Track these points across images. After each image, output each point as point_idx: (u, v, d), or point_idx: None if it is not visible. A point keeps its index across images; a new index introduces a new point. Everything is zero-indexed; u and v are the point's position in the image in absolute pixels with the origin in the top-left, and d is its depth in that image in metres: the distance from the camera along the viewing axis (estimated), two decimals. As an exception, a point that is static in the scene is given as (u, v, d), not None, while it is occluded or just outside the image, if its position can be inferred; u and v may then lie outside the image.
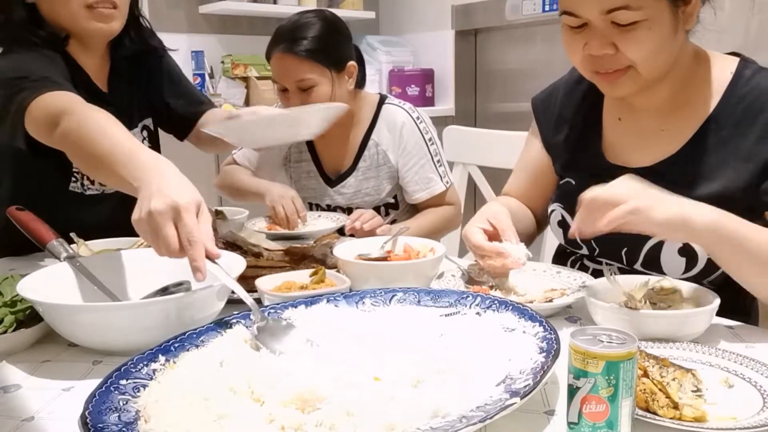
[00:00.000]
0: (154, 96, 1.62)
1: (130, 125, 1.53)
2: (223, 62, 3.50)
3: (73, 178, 1.47)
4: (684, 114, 1.13)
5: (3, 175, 1.46)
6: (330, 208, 1.89)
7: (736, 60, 1.13)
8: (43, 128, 1.15)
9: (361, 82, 1.87)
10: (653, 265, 1.13)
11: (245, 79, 3.47)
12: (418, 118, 1.84)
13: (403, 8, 4.00)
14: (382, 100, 1.86)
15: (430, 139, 1.84)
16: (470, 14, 3.59)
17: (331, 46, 1.74)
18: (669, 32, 1.04)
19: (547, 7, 3.18)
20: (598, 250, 1.21)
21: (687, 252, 1.09)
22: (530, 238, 1.36)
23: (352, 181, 1.85)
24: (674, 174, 1.11)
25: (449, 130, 2.18)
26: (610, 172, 1.19)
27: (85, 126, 1.06)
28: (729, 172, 1.07)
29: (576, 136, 1.27)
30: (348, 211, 1.86)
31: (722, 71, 1.12)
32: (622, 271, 1.19)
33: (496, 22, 3.46)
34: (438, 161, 1.85)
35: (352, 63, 1.80)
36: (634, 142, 1.19)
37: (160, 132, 1.69)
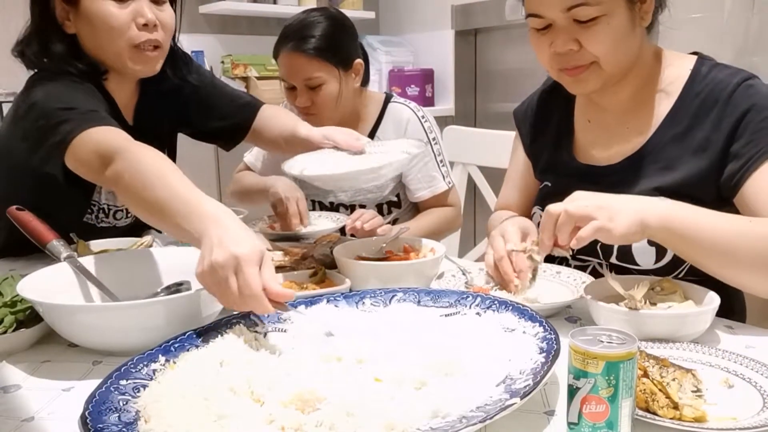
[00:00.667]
0: (193, 125, 1.58)
1: None
2: (222, 62, 3.50)
3: (89, 211, 1.45)
4: (646, 111, 1.18)
5: (22, 188, 1.41)
6: (333, 206, 1.89)
7: (693, 58, 1.18)
8: (89, 166, 1.12)
9: (365, 80, 1.88)
10: (627, 257, 1.16)
11: (245, 79, 3.47)
12: (423, 117, 1.85)
13: (403, 8, 4.00)
14: (387, 98, 1.88)
15: (434, 139, 1.85)
16: (470, 14, 3.58)
17: (338, 44, 1.75)
18: (627, 27, 1.10)
19: (547, 7, 3.18)
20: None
21: (655, 243, 1.11)
22: None
23: None
24: (639, 169, 1.17)
25: (449, 130, 2.18)
26: (582, 171, 1.25)
27: (139, 169, 1.04)
28: (688, 162, 1.12)
29: (551, 141, 1.32)
30: (350, 208, 1.86)
31: (681, 69, 1.17)
32: (600, 266, 1.22)
33: (496, 22, 3.45)
34: (441, 161, 1.86)
35: (358, 61, 1.81)
36: (602, 142, 1.24)
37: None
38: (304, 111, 1.77)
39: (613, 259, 1.18)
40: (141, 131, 1.44)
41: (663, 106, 1.17)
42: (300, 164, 1.30)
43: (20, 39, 1.33)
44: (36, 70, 1.32)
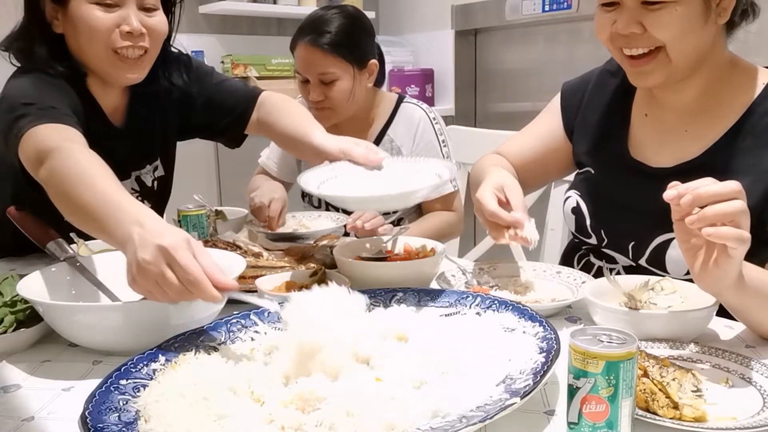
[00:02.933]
0: (195, 127, 1.56)
1: (140, 164, 1.50)
2: (223, 62, 3.50)
3: None
4: (709, 118, 1.13)
5: (6, 181, 1.39)
6: None
7: None
8: (30, 162, 1.09)
9: (380, 81, 1.91)
10: (657, 261, 1.13)
11: (245, 79, 3.46)
12: (434, 118, 1.87)
13: (403, 8, 4.00)
14: (400, 99, 1.90)
15: (443, 141, 1.87)
16: (470, 14, 3.58)
17: (354, 42, 1.78)
18: (698, 18, 1.05)
19: (546, 7, 3.17)
20: (606, 240, 1.22)
21: None
22: None
23: None
24: (692, 178, 1.11)
25: (449, 130, 2.18)
26: (632, 167, 1.20)
27: (67, 168, 1.00)
28: (746, 182, 1.05)
29: (603, 127, 1.27)
30: None
31: (755, 81, 1.12)
32: (626, 267, 1.20)
33: (496, 22, 3.45)
34: None
35: (373, 61, 1.83)
36: (658, 141, 1.19)
37: None
38: (316, 105, 1.79)
39: (643, 261, 1.16)
40: (131, 135, 1.44)
41: (728, 117, 1.11)
42: (316, 180, 1.16)
43: (10, 34, 1.33)
44: (20, 65, 1.32)
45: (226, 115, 1.52)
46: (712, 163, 1.10)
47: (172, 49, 1.49)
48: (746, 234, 0.77)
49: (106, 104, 1.40)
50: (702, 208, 0.79)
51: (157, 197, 1.57)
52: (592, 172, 1.26)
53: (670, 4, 1.03)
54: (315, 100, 1.78)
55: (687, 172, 1.11)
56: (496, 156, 1.39)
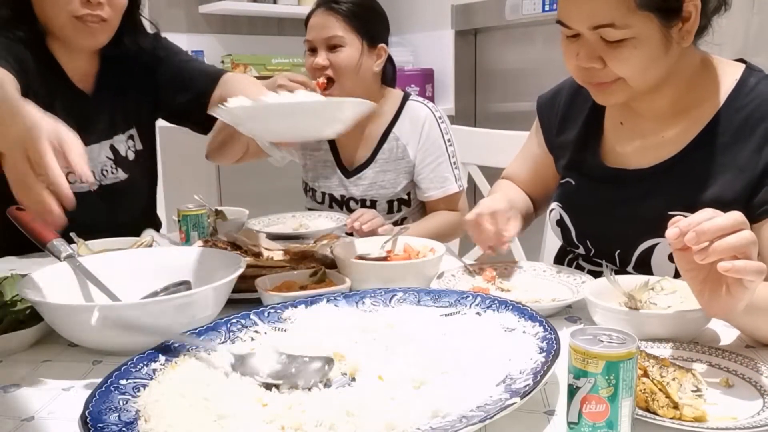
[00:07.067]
0: (163, 100, 1.59)
1: (113, 131, 1.53)
2: (222, 62, 3.50)
3: None
4: (685, 119, 1.13)
5: None
6: (344, 199, 1.90)
7: (741, 67, 1.12)
8: None
9: (390, 81, 1.93)
10: (644, 267, 1.14)
11: (245, 79, 3.47)
12: (440, 117, 1.88)
13: (403, 8, 3.99)
14: (406, 96, 1.91)
15: (449, 140, 1.87)
16: (470, 14, 3.58)
17: (368, 18, 1.82)
18: (658, 50, 1.04)
19: (546, 7, 3.17)
20: (593, 250, 1.22)
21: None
22: (527, 220, 1.40)
23: (369, 173, 1.86)
24: (671, 177, 1.12)
25: (449, 130, 2.19)
26: (609, 175, 1.20)
27: None
28: (725, 179, 1.07)
29: (578, 138, 1.28)
30: (361, 202, 1.87)
31: (727, 78, 1.11)
32: (615, 273, 1.20)
33: (496, 21, 3.45)
34: (454, 163, 1.88)
35: (383, 46, 1.85)
36: (635, 146, 1.19)
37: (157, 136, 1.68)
38: (319, 73, 1.79)
39: (630, 268, 1.16)
40: (102, 101, 1.49)
41: (705, 115, 1.10)
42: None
43: None
44: None
45: (187, 91, 1.55)
46: (689, 161, 1.10)
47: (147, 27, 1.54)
48: (764, 266, 0.75)
49: (72, 69, 1.46)
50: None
51: (136, 172, 1.59)
52: (573, 183, 1.27)
53: (629, 41, 1.02)
54: (319, 66, 1.78)
55: (663, 171, 1.13)
56: (503, 181, 1.45)
